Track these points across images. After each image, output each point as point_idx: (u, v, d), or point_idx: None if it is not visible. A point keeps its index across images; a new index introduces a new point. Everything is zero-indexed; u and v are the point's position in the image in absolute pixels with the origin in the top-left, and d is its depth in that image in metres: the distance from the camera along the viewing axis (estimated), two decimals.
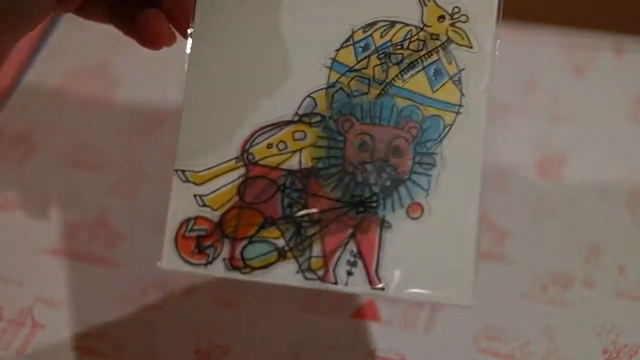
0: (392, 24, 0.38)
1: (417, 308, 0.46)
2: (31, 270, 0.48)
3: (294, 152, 0.38)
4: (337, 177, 0.38)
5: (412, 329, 0.45)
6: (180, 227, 0.37)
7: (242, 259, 0.37)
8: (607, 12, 0.62)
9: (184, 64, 0.38)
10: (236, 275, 0.37)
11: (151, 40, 0.41)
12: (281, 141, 0.38)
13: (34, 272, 0.48)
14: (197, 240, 0.37)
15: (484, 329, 0.45)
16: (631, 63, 0.57)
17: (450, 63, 0.38)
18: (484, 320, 0.45)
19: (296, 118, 0.38)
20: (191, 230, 0.37)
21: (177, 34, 0.41)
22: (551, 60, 0.58)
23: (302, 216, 0.37)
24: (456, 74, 0.38)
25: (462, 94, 0.38)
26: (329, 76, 0.38)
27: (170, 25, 0.41)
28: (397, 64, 0.38)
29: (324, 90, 0.38)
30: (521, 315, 0.45)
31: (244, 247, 0.37)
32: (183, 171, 0.38)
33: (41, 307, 0.46)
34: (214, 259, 0.37)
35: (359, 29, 0.38)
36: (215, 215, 0.37)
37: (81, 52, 0.58)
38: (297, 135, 0.38)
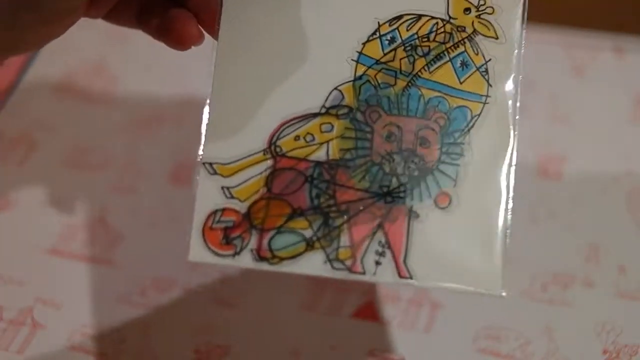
0: (418, 17, 0.39)
1: (417, 308, 0.46)
2: (31, 270, 0.48)
3: (322, 144, 0.38)
4: (364, 168, 0.38)
5: (412, 329, 0.45)
6: (207, 219, 0.37)
7: (270, 249, 0.37)
8: (607, 12, 0.62)
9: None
10: (264, 266, 0.36)
11: (181, 40, 0.41)
12: (308, 133, 0.38)
13: (34, 272, 0.48)
14: (225, 232, 0.37)
15: (484, 329, 0.45)
16: (631, 63, 0.57)
17: (477, 54, 0.38)
18: (484, 320, 0.45)
19: (323, 110, 0.38)
20: (219, 221, 0.37)
21: (204, 32, 0.41)
22: (551, 60, 0.58)
23: (330, 206, 0.37)
24: (483, 64, 0.38)
25: (490, 85, 0.38)
26: (355, 69, 0.38)
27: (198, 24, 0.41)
28: (424, 56, 0.38)
29: (351, 83, 0.38)
30: (521, 315, 0.45)
31: (271, 238, 0.37)
32: (210, 163, 0.38)
33: (41, 307, 0.46)
34: (241, 249, 0.37)
35: (385, 23, 0.39)
36: (243, 207, 0.37)
37: (81, 51, 0.58)
38: (324, 127, 0.38)
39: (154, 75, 0.57)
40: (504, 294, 0.35)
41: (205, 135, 0.38)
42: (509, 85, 0.38)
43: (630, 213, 0.49)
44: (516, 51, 0.38)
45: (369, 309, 0.46)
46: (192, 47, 0.41)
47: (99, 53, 0.58)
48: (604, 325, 0.44)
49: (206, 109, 0.38)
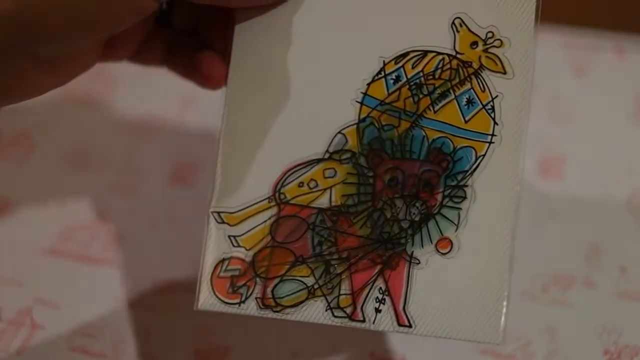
0: (424, 53, 0.37)
1: None
2: (31, 270, 0.48)
3: (325, 190, 0.37)
4: (366, 214, 0.37)
5: None
6: (215, 268, 0.37)
7: (274, 297, 0.37)
8: (608, 12, 0.62)
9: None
10: (269, 314, 0.37)
11: (208, 82, 0.41)
12: (312, 179, 0.37)
13: (34, 272, 0.48)
14: (232, 280, 0.37)
15: None
16: (631, 63, 0.57)
17: (483, 91, 0.37)
18: None
19: (327, 155, 0.37)
20: (226, 270, 0.37)
21: None
22: (551, 60, 0.58)
23: (332, 254, 0.37)
24: (489, 102, 0.37)
25: (496, 123, 0.36)
26: (360, 111, 0.37)
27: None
28: (429, 94, 0.37)
29: (355, 125, 0.37)
30: (522, 315, 0.45)
31: (275, 286, 0.37)
32: (219, 213, 0.38)
33: (40, 308, 0.46)
34: (247, 298, 0.37)
35: (390, 61, 0.37)
36: (248, 255, 0.37)
37: None
38: (327, 172, 0.37)
39: (154, 76, 0.57)
40: (501, 341, 0.35)
41: (215, 185, 0.38)
42: (517, 124, 0.37)
43: (630, 213, 0.49)
44: (526, 87, 0.36)
45: None
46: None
47: None
48: (605, 326, 0.44)
49: (218, 159, 0.38)
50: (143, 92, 0.57)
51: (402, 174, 0.37)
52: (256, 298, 0.37)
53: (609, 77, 0.56)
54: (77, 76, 0.39)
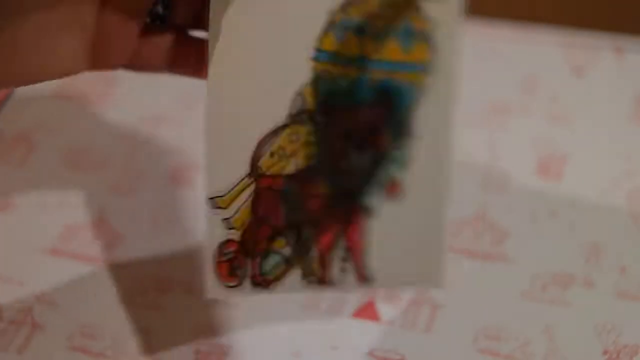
0: None
1: (417, 308, 0.46)
2: (31, 270, 0.48)
3: (291, 155, 0.37)
4: (327, 172, 0.37)
5: (412, 329, 0.45)
6: (216, 253, 0.37)
7: (261, 274, 0.37)
8: (607, 12, 0.62)
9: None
10: (261, 292, 0.37)
11: None
12: (280, 147, 0.37)
13: (34, 272, 0.48)
14: (229, 263, 0.37)
15: (484, 329, 0.45)
16: (631, 63, 0.57)
17: (419, 19, 0.36)
18: (484, 320, 0.45)
19: (289, 120, 0.37)
20: (224, 254, 0.37)
21: None
22: (551, 60, 0.58)
23: (302, 220, 0.37)
24: (427, 29, 0.36)
25: (432, 50, 0.36)
26: (315, 68, 0.37)
27: None
28: (372, 35, 0.36)
29: (310, 83, 0.37)
30: (521, 315, 0.45)
31: (260, 262, 0.37)
32: (212, 198, 0.37)
33: (41, 307, 0.46)
34: (243, 279, 0.37)
35: (338, 12, 0.36)
36: (238, 235, 0.37)
37: None
38: (292, 137, 0.37)
39: (154, 76, 0.57)
40: (444, 286, 0.36)
41: (206, 172, 0.37)
42: (451, 50, 0.36)
43: (630, 213, 0.49)
44: (458, 10, 0.36)
45: (369, 309, 0.46)
46: None
47: None
48: (604, 326, 0.44)
49: (206, 148, 0.37)
50: (143, 92, 0.57)
51: (352, 123, 0.36)
52: (249, 278, 0.37)
53: (608, 77, 0.57)
54: (56, 77, 0.38)
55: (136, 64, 0.41)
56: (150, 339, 0.45)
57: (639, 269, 0.47)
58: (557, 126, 0.54)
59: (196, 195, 0.52)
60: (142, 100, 0.54)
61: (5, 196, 0.52)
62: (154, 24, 0.40)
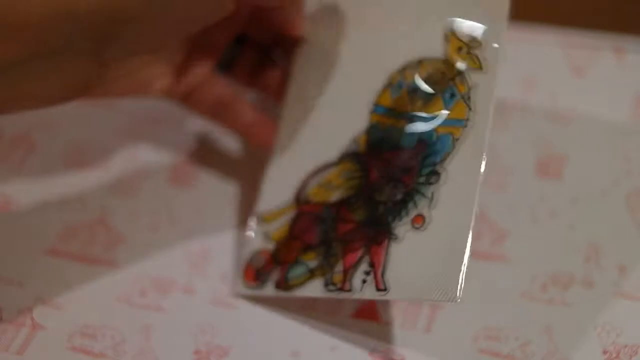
0: (421, 61, 0.44)
1: (417, 308, 0.46)
2: (31, 270, 0.48)
3: (336, 188, 0.44)
4: (361, 202, 0.43)
5: (412, 329, 0.45)
6: (250, 259, 0.46)
7: (286, 280, 0.44)
8: (607, 12, 0.62)
9: None
10: (280, 294, 0.44)
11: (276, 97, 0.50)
12: (328, 180, 0.45)
13: (34, 272, 0.48)
14: (259, 268, 0.46)
15: (484, 329, 0.45)
16: (631, 63, 0.57)
17: (463, 85, 0.42)
18: (484, 320, 0.45)
19: (340, 159, 0.45)
20: (256, 260, 0.46)
21: None
22: (551, 60, 0.58)
23: (332, 239, 0.44)
24: (466, 92, 0.42)
25: (470, 109, 0.41)
26: (371, 119, 0.44)
27: None
28: (422, 95, 0.43)
29: (365, 131, 0.44)
30: (521, 315, 0.45)
31: (287, 271, 0.44)
32: (260, 213, 0.47)
33: (41, 308, 0.46)
34: (267, 282, 0.45)
35: (395, 73, 0.44)
36: (272, 247, 0.45)
37: None
38: (341, 173, 0.45)
39: None
40: (459, 299, 0.39)
41: (261, 191, 0.47)
42: (486, 112, 0.41)
43: (630, 213, 0.49)
44: (495, 78, 0.42)
45: (369, 309, 0.46)
46: None
47: None
48: (604, 326, 0.44)
49: (268, 168, 0.47)
50: None
51: (391, 163, 0.43)
52: (274, 281, 0.45)
53: (608, 77, 0.56)
54: (141, 94, 0.46)
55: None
56: (150, 339, 0.45)
57: (639, 269, 0.47)
58: (556, 126, 0.54)
59: (196, 195, 0.52)
60: (142, 100, 0.54)
61: (5, 196, 0.52)
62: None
